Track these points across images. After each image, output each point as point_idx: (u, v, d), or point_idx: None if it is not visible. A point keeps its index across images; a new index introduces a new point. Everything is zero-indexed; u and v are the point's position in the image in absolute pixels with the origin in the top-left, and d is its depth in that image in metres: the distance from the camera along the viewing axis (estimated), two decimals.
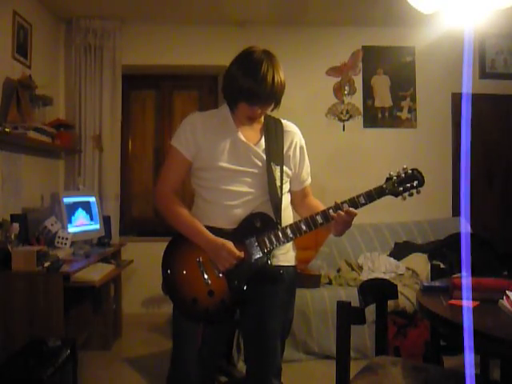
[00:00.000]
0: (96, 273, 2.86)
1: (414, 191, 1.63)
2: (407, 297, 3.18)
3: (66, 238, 3.07)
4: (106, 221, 3.72)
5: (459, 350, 1.37)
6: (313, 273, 3.53)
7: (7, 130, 2.88)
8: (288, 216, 1.73)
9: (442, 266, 3.17)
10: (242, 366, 2.90)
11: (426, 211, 4.21)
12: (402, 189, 1.63)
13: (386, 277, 3.41)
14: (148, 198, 4.43)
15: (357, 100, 4.33)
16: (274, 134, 1.72)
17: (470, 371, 1.34)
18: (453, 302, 1.75)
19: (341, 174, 4.18)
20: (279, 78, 1.61)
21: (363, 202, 1.60)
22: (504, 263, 3.28)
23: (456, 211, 4.28)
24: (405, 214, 4.14)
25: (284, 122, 1.79)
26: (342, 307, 1.61)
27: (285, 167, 1.70)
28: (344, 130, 4.31)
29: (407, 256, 3.78)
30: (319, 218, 1.61)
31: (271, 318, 1.68)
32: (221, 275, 1.60)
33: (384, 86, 4.34)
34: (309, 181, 1.86)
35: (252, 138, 1.70)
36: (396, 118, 4.35)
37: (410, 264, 3.66)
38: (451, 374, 1.75)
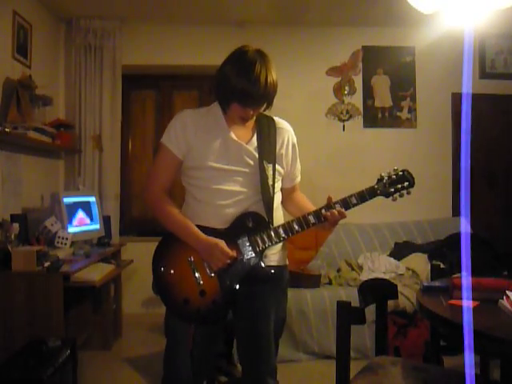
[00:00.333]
0: (96, 273, 2.86)
1: (405, 192, 1.66)
2: (407, 297, 3.18)
3: (66, 238, 3.07)
4: (105, 221, 3.72)
5: (459, 350, 1.37)
6: (313, 273, 3.53)
7: (7, 130, 2.89)
8: (279, 215, 1.73)
9: (442, 266, 3.17)
10: None
11: (426, 211, 4.22)
12: (393, 190, 1.65)
13: (386, 277, 3.41)
14: None
15: (357, 100, 4.33)
16: (266, 132, 1.70)
17: (469, 371, 1.34)
18: (453, 301, 1.75)
19: (341, 174, 4.18)
20: (272, 79, 1.57)
21: (355, 202, 1.62)
22: (504, 263, 3.28)
23: (456, 211, 4.28)
24: (405, 214, 4.14)
25: (276, 119, 1.77)
26: (342, 307, 1.61)
27: (277, 165, 1.69)
28: (344, 130, 4.31)
29: (407, 256, 3.78)
30: (312, 218, 1.62)
31: (263, 318, 1.68)
32: (213, 275, 1.60)
33: (384, 86, 4.34)
34: (299, 178, 1.86)
35: (244, 137, 1.68)
36: (396, 118, 4.35)
37: (410, 264, 3.66)
38: (451, 374, 1.75)
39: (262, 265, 1.61)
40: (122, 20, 4.07)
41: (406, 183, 1.66)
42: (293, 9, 3.92)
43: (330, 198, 1.64)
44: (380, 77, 4.34)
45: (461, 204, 3.85)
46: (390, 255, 3.82)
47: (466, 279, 1.78)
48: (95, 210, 3.60)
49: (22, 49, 3.39)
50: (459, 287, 1.77)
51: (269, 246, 1.61)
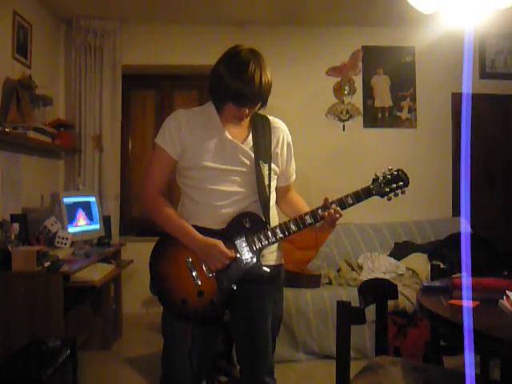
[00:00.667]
0: (96, 273, 2.86)
1: (399, 192, 1.67)
2: (407, 297, 3.18)
3: (66, 238, 3.07)
4: (105, 221, 3.72)
5: (459, 350, 1.37)
6: (313, 273, 3.53)
7: (7, 130, 2.89)
8: (274, 215, 1.73)
9: (442, 266, 3.17)
10: None
11: (426, 211, 4.22)
12: (388, 189, 1.66)
13: (386, 277, 3.41)
14: None
15: (357, 100, 4.33)
16: (261, 131, 1.70)
17: (470, 371, 1.34)
18: (453, 302, 1.75)
19: (341, 174, 4.18)
20: (266, 78, 1.56)
21: (351, 202, 1.63)
22: (504, 263, 3.28)
23: (456, 211, 4.28)
24: (405, 214, 4.14)
25: (271, 118, 1.77)
26: (342, 307, 1.61)
27: (273, 165, 1.69)
28: (344, 129, 4.31)
29: (407, 256, 3.78)
30: (308, 218, 1.62)
31: (260, 317, 1.68)
32: (210, 275, 1.60)
33: (384, 85, 4.34)
34: (294, 177, 1.86)
35: (239, 136, 1.67)
36: (396, 118, 4.35)
37: (410, 264, 3.66)
38: (451, 374, 1.75)
39: (260, 264, 1.61)
40: (122, 20, 4.06)
41: (400, 183, 1.67)
42: (293, 9, 3.92)
43: (326, 199, 1.64)
44: (380, 77, 4.34)
45: (461, 204, 3.86)
46: (390, 255, 3.82)
47: (466, 279, 1.78)
48: (95, 210, 3.60)
49: (21, 49, 3.39)
50: (459, 287, 1.77)
51: (266, 245, 1.61)
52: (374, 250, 3.90)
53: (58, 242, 3.03)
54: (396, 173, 1.67)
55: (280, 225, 1.63)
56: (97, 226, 3.57)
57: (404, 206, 4.10)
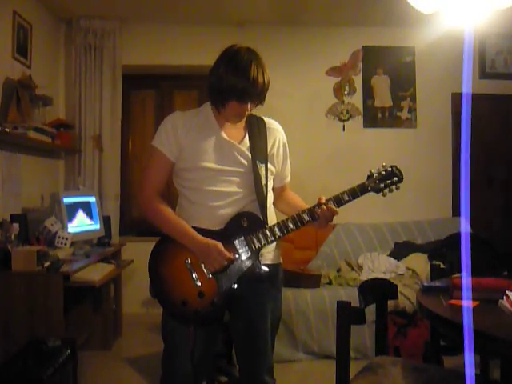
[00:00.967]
0: (96, 273, 2.86)
1: (394, 187, 1.69)
2: (407, 297, 3.18)
3: (66, 238, 3.07)
4: (105, 221, 3.72)
5: (459, 350, 1.37)
6: (313, 273, 3.53)
7: (7, 130, 2.89)
8: (272, 214, 1.74)
9: (442, 266, 3.17)
10: None
11: (426, 211, 4.22)
12: (383, 185, 1.69)
13: (386, 277, 3.41)
14: None
15: (357, 100, 4.33)
16: (257, 132, 1.71)
17: (470, 371, 1.34)
18: (453, 301, 1.75)
19: (341, 174, 4.17)
20: (267, 75, 1.61)
21: (347, 198, 1.64)
22: (504, 263, 3.27)
23: (456, 211, 4.28)
24: (405, 214, 4.14)
25: (266, 119, 1.78)
26: (342, 307, 1.61)
27: (269, 165, 1.70)
28: (344, 129, 4.31)
29: (407, 256, 3.77)
30: (306, 216, 1.63)
31: (259, 317, 1.69)
32: (210, 276, 1.60)
33: (384, 86, 4.34)
34: (289, 178, 1.87)
35: (236, 137, 1.68)
36: (396, 118, 4.35)
37: (410, 264, 3.66)
38: (451, 374, 1.75)
39: (259, 264, 1.61)
40: (122, 20, 4.07)
41: (395, 178, 1.69)
42: (293, 9, 3.92)
43: (320, 198, 1.65)
44: (380, 77, 4.34)
45: (461, 204, 3.86)
46: (390, 255, 3.82)
47: (466, 279, 1.78)
48: (95, 210, 3.60)
49: (22, 49, 3.39)
50: (459, 287, 1.78)
51: (265, 245, 1.62)
52: (373, 250, 3.89)
53: (57, 242, 3.03)
54: (390, 169, 1.70)
55: (278, 223, 1.63)
56: (97, 226, 3.57)
57: (404, 206, 4.11)
